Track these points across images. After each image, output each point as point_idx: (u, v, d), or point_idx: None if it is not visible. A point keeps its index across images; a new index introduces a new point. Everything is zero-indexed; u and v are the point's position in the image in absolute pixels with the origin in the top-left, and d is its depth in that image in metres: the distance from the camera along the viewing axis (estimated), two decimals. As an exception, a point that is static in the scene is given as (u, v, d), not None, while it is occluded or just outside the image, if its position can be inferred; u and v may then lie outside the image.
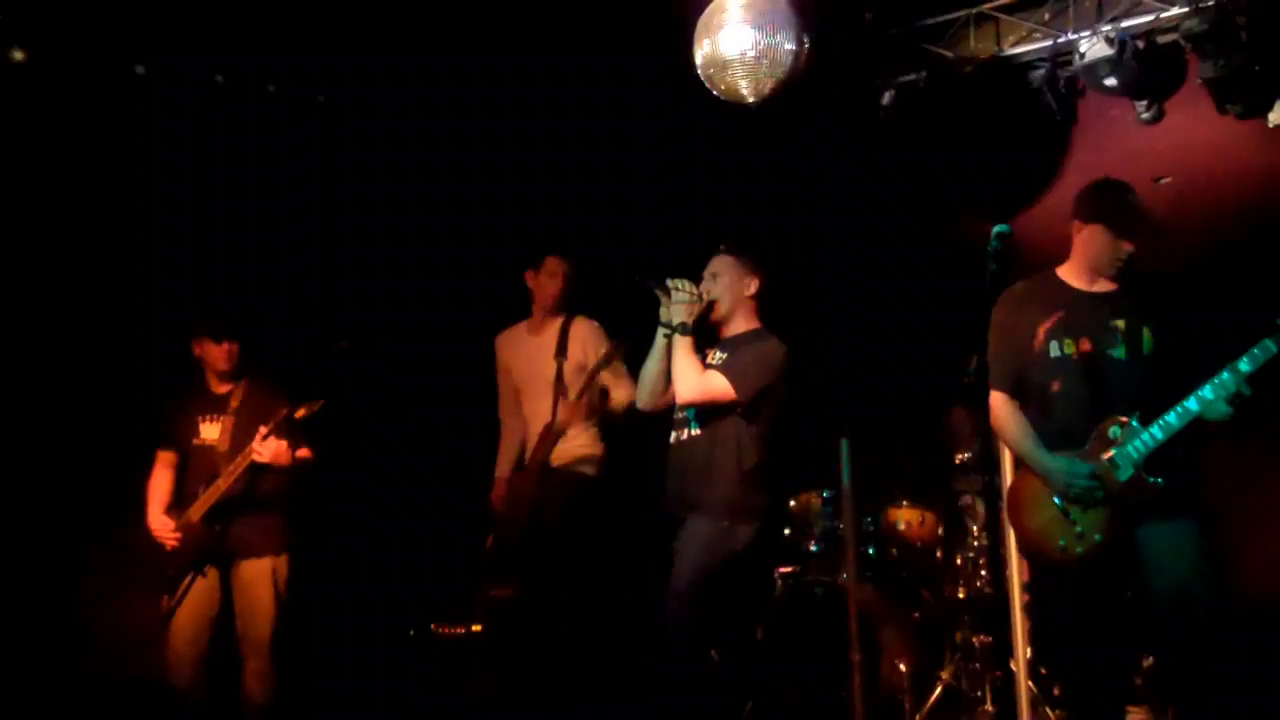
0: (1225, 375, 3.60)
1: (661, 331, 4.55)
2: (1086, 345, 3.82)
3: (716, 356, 4.59)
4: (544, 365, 5.46)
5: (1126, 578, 3.77)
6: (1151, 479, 3.70)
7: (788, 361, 4.55)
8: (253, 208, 5.90)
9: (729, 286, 4.63)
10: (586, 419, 5.39)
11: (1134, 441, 3.72)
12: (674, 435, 4.61)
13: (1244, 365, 3.59)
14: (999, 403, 3.98)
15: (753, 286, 4.65)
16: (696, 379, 4.46)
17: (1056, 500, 3.84)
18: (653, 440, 4.81)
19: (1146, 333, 3.79)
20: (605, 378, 5.33)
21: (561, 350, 5.44)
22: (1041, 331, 3.89)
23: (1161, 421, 3.69)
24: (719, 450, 4.45)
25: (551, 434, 5.33)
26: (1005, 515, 5.23)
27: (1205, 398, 3.62)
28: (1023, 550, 4.03)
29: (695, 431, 4.52)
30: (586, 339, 5.46)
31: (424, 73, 5.90)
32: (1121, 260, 3.85)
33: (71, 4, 5.27)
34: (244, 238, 5.87)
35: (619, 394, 5.32)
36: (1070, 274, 3.95)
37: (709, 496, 4.43)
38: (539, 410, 5.44)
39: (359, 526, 6.02)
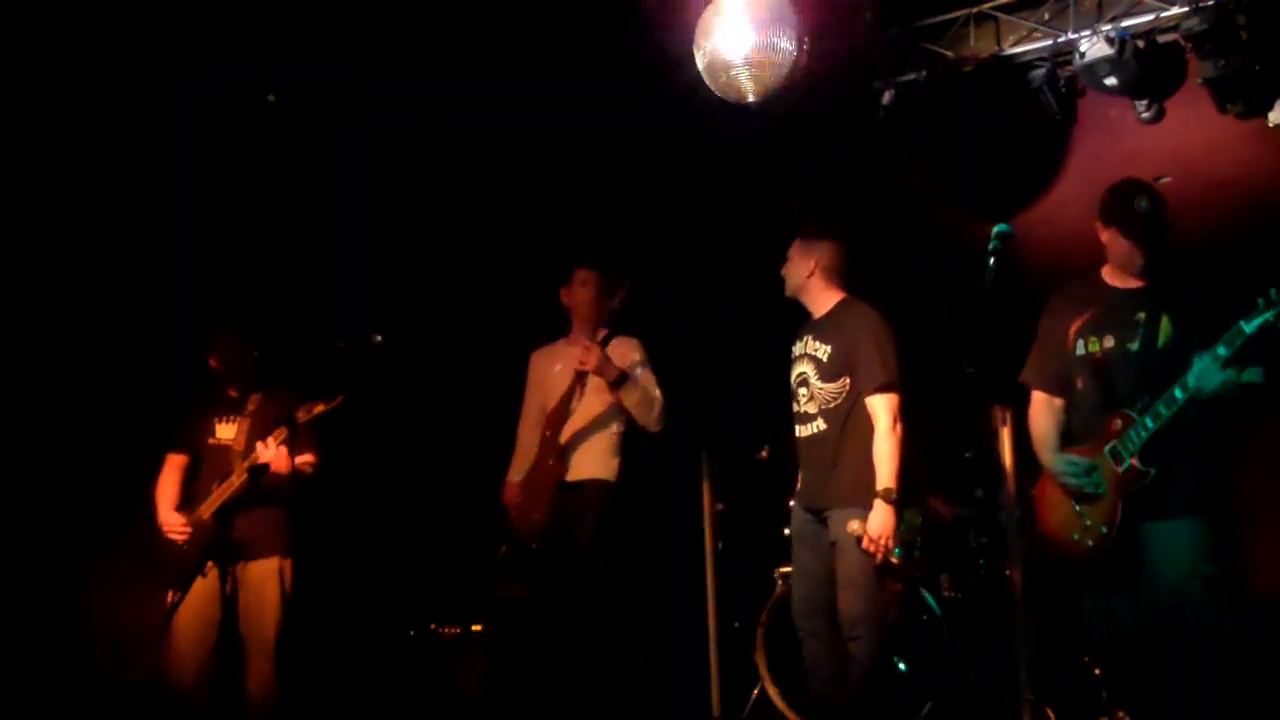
0: (1205, 359, 3.58)
1: None
2: (1109, 342, 3.86)
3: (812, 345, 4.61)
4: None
5: (1134, 572, 3.76)
6: (1144, 468, 3.70)
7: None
8: (271, 211, 5.95)
9: (790, 272, 4.70)
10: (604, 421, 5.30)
11: (1130, 432, 3.73)
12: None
13: (1221, 349, 3.57)
14: (1034, 402, 4.09)
15: (810, 264, 4.66)
16: None
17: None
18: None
19: (1165, 323, 3.79)
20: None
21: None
22: (1072, 331, 3.94)
23: (1152, 410, 3.69)
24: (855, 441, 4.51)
25: (559, 416, 5.22)
26: (1009, 516, 5.27)
27: (1189, 384, 3.60)
28: (1047, 547, 4.07)
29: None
30: (628, 353, 5.33)
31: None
32: (1140, 261, 3.85)
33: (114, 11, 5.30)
34: (264, 241, 5.91)
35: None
36: (1108, 272, 3.98)
37: (853, 489, 4.45)
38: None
39: (358, 527, 6.01)
